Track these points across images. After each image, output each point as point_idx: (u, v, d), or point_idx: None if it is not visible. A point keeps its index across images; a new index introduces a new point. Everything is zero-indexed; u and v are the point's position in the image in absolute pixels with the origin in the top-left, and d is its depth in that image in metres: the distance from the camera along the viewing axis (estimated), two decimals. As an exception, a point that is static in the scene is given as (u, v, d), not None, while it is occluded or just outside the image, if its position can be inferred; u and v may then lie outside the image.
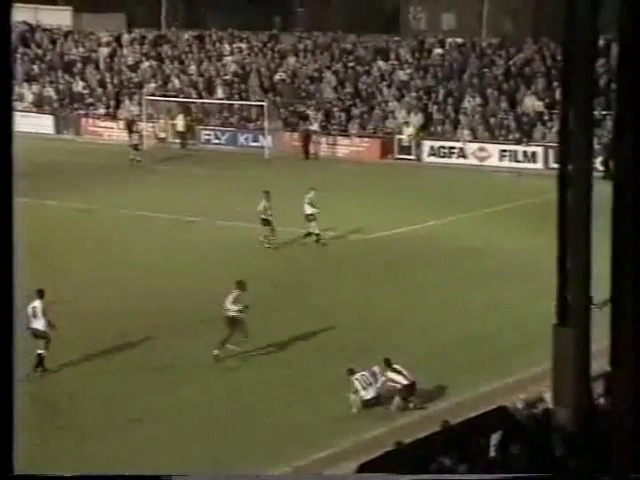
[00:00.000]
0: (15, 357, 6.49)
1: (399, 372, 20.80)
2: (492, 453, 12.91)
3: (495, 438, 13.03)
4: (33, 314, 22.33)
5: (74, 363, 23.09)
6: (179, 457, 18.40)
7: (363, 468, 12.27)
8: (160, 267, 31.53)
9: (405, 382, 20.69)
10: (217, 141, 56.20)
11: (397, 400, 20.65)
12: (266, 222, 33.58)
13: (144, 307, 27.25)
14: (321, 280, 30.14)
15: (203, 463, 18.19)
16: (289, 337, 24.90)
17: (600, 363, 12.25)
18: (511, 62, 53.70)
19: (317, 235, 33.74)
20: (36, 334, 22.24)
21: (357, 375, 20.58)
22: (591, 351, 12.52)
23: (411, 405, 20.70)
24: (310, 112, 54.63)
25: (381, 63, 56.93)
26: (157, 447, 18.97)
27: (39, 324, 22.34)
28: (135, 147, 50.31)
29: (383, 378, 20.78)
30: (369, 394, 20.49)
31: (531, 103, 50.86)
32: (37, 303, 22.40)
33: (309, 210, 33.75)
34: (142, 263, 31.93)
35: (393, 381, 20.76)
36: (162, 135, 56.57)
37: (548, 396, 13.86)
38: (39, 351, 22.27)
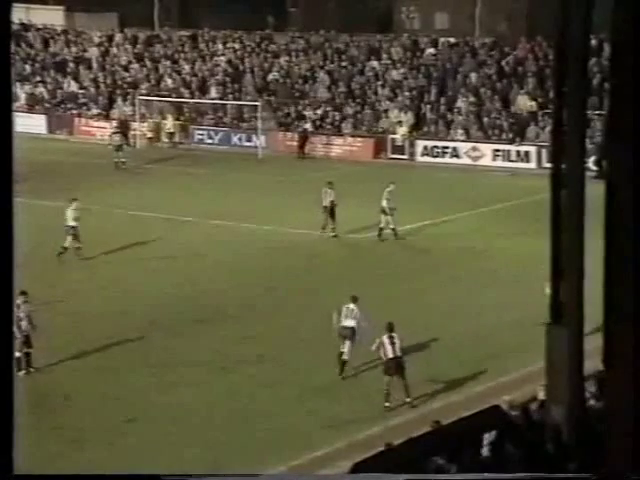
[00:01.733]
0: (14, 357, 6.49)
1: (393, 343, 20.94)
2: (486, 452, 12.93)
3: (489, 437, 13.06)
4: None
5: (71, 363, 23.07)
6: (175, 457, 18.39)
7: (357, 468, 12.28)
8: (156, 266, 31.52)
9: (390, 355, 20.89)
10: (210, 141, 56.20)
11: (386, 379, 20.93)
12: (330, 211, 34.28)
13: (141, 307, 27.24)
14: (317, 281, 30.13)
15: (199, 463, 18.19)
16: (286, 337, 24.93)
17: (594, 362, 12.28)
18: (504, 62, 53.77)
19: (380, 229, 34.39)
20: None
21: (344, 306, 22.70)
22: (584, 350, 12.56)
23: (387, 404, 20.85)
24: (308, 112, 54.69)
25: (374, 63, 56.98)
26: (152, 447, 18.96)
27: None
28: (118, 148, 49.44)
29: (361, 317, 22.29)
30: (347, 322, 22.47)
31: (524, 103, 50.95)
32: None
33: (385, 203, 34.28)
34: (138, 263, 31.90)
35: (383, 347, 20.99)
36: (150, 135, 56.44)
37: (542, 395, 13.89)
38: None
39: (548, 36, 49.88)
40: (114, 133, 51.75)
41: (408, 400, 20.90)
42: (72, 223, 31.98)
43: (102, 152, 51.16)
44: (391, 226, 34.31)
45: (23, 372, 22.11)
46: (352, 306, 22.75)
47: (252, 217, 37.32)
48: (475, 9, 70.00)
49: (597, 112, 40.77)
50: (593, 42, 42.45)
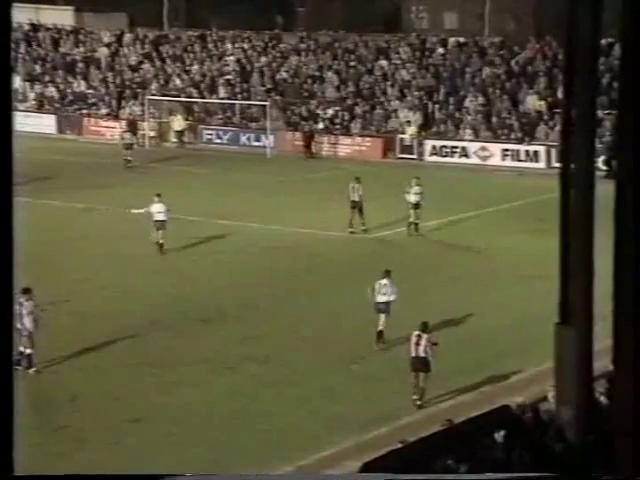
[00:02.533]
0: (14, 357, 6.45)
1: (418, 343, 20.78)
2: (495, 452, 12.89)
3: (498, 437, 13.02)
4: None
5: (71, 363, 23.00)
6: (177, 457, 18.33)
7: (366, 467, 12.25)
8: (160, 266, 31.48)
9: (412, 354, 20.84)
10: (219, 141, 56.22)
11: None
12: (356, 205, 34.72)
13: (141, 306, 27.19)
14: (319, 280, 30.06)
15: (201, 463, 18.14)
16: (288, 337, 24.88)
17: (603, 362, 12.24)
18: (513, 62, 53.70)
19: (414, 224, 34.82)
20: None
21: (377, 282, 23.77)
22: (594, 350, 12.51)
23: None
24: (319, 111, 54.70)
25: (383, 62, 56.94)
26: (154, 447, 18.90)
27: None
28: (128, 147, 49.66)
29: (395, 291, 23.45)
30: (379, 299, 23.62)
31: (533, 102, 50.85)
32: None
33: (418, 199, 34.80)
34: (141, 262, 31.87)
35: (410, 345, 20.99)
36: (152, 134, 56.45)
37: (551, 395, 13.84)
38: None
39: (557, 35, 49.79)
40: (125, 132, 51.92)
41: (418, 402, 20.81)
42: (159, 217, 32.33)
43: (111, 152, 51.21)
44: (410, 219, 34.61)
45: (34, 370, 22.13)
46: (384, 281, 23.71)
47: (256, 217, 37.27)
48: (484, 8, 69.89)
49: (607, 111, 40.65)
50: (602, 42, 42.34)
